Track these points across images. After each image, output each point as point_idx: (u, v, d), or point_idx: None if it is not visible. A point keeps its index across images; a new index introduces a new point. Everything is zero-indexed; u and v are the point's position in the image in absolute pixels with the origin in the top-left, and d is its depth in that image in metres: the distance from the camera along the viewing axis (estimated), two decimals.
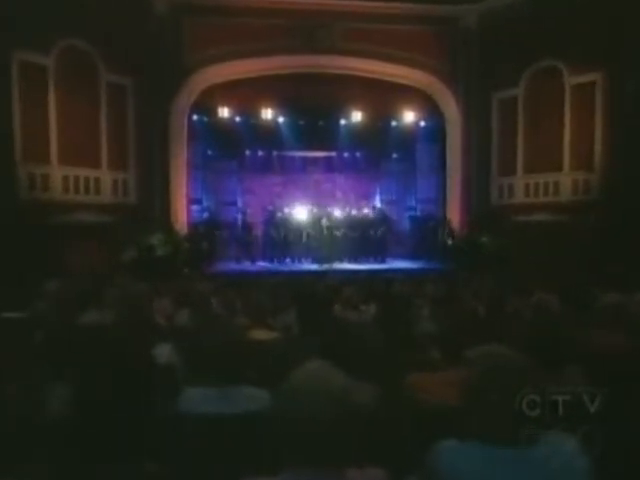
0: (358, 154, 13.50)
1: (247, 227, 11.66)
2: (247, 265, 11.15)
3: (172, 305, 4.24)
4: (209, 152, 12.34)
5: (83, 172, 9.78)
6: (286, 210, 11.88)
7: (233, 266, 11.03)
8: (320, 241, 11.12)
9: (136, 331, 2.21)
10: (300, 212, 11.82)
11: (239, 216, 12.35)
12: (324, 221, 11.18)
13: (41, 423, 1.58)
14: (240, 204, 12.90)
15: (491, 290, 4.54)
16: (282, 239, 11.18)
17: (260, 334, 3.05)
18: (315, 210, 11.77)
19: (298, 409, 1.15)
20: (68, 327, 2.27)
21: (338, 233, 11.20)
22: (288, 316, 4.24)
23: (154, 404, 1.37)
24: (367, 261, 11.41)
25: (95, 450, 1.21)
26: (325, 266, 10.69)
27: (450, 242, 11.18)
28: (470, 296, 4.61)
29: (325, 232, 11.08)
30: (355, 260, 11.38)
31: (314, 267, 10.75)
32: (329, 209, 11.87)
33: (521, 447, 1.40)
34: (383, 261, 11.46)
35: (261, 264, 11.24)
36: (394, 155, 13.54)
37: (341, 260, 11.13)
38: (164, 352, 2.55)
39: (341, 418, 1.16)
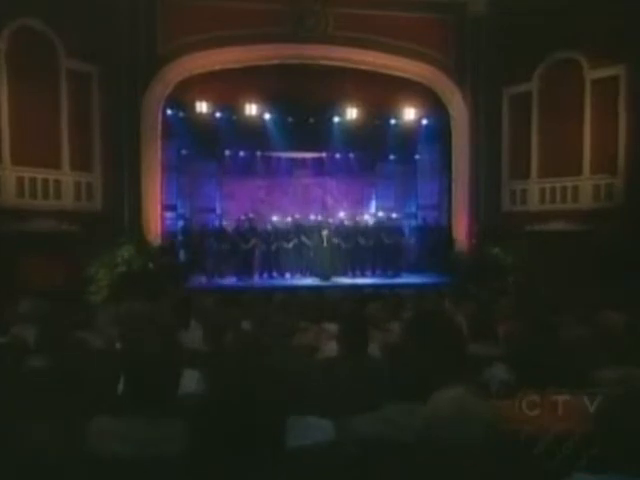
0: (352, 155, 13.55)
1: (229, 237, 11.50)
2: (233, 280, 10.98)
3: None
4: (185, 152, 12.23)
5: (41, 173, 9.54)
6: (276, 218, 11.80)
7: (216, 282, 10.85)
8: (318, 253, 11.03)
9: (170, 356, 2.11)
10: (294, 220, 11.75)
11: (218, 224, 12.18)
12: (324, 232, 11.10)
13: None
14: (219, 211, 12.80)
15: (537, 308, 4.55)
16: (273, 251, 11.06)
17: None
18: (311, 218, 11.73)
19: (448, 436, 1.12)
20: (87, 354, 2.14)
21: (337, 244, 11.15)
22: (306, 336, 4.18)
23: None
24: (365, 275, 11.42)
25: None
26: (318, 281, 10.65)
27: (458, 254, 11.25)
28: (507, 314, 4.62)
29: (324, 243, 11.00)
30: (354, 274, 11.39)
31: (310, 282, 10.67)
32: (325, 217, 11.84)
33: None
34: (384, 274, 11.48)
35: (248, 279, 11.07)
36: (392, 156, 13.64)
37: (339, 274, 11.08)
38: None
39: (490, 444, 1.15)
